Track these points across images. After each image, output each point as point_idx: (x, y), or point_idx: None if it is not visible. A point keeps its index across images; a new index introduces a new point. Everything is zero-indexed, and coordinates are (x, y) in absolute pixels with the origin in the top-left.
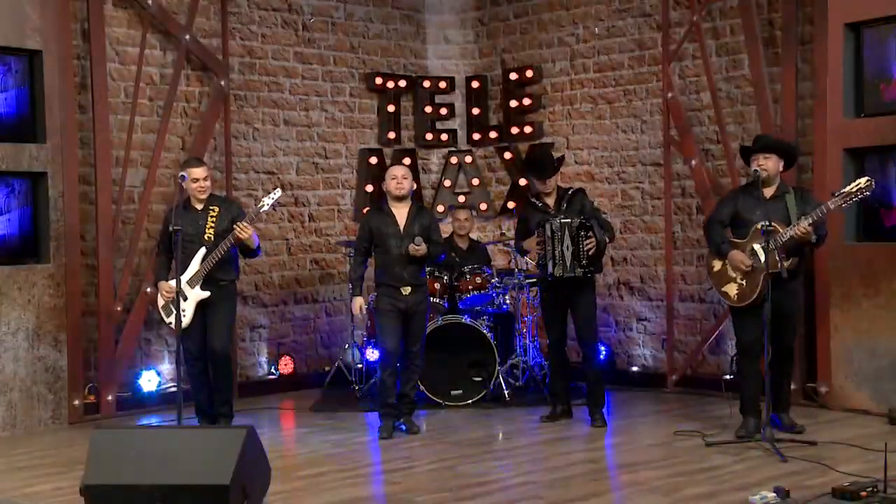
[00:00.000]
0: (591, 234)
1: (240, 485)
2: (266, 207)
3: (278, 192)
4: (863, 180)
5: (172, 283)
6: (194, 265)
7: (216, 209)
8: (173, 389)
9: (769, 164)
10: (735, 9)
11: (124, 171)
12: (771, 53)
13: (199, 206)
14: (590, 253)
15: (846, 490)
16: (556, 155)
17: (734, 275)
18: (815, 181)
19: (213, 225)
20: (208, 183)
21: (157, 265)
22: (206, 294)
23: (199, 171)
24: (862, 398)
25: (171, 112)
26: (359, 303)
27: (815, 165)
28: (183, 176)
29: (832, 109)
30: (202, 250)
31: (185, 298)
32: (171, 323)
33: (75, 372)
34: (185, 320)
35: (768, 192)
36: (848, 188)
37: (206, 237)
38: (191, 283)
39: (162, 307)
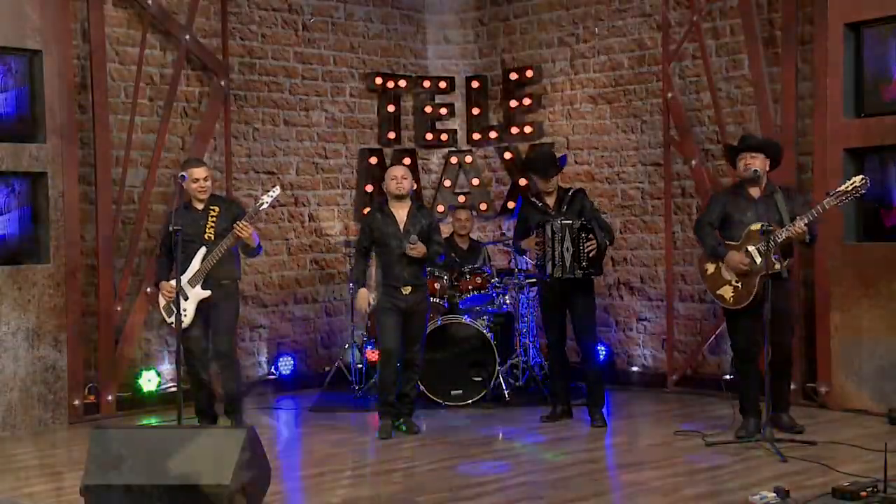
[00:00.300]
0: (591, 235)
1: (240, 485)
2: (265, 206)
3: (277, 190)
4: (857, 178)
5: (174, 282)
6: (195, 265)
7: (217, 209)
8: (173, 389)
9: (756, 163)
10: (735, 9)
11: (124, 171)
12: (771, 53)
13: (200, 207)
14: (590, 255)
15: (846, 490)
16: (557, 154)
17: (729, 277)
18: (815, 181)
19: (213, 225)
20: (209, 183)
21: (158, 265)
22: (207, 293)
23: (199, 172)
24: (862, 398)
25: (171, 112)
26: (364, 294)
27: (815, 165)
28: (183, 176)
29: (832, 109)
30: (202, 250)
31: (186, 298)
32: (172, 323)
33: (75, 372)
34: (186, 320)
35: (756, 192)
36: (843, 187)
37: (206, 237)
38: (191, 282)
39: (163, 307)
